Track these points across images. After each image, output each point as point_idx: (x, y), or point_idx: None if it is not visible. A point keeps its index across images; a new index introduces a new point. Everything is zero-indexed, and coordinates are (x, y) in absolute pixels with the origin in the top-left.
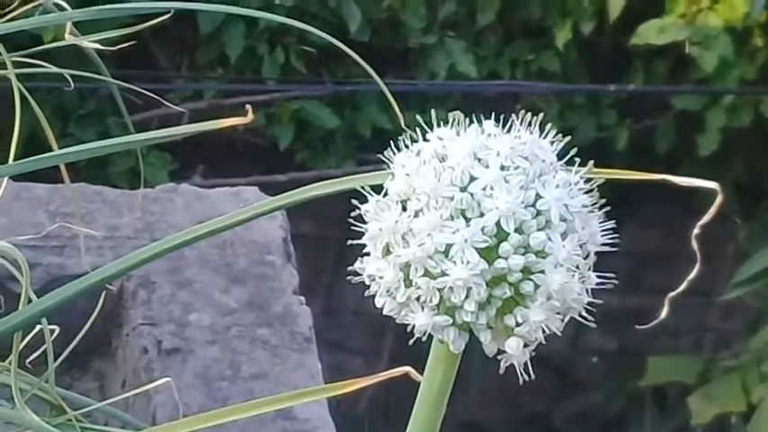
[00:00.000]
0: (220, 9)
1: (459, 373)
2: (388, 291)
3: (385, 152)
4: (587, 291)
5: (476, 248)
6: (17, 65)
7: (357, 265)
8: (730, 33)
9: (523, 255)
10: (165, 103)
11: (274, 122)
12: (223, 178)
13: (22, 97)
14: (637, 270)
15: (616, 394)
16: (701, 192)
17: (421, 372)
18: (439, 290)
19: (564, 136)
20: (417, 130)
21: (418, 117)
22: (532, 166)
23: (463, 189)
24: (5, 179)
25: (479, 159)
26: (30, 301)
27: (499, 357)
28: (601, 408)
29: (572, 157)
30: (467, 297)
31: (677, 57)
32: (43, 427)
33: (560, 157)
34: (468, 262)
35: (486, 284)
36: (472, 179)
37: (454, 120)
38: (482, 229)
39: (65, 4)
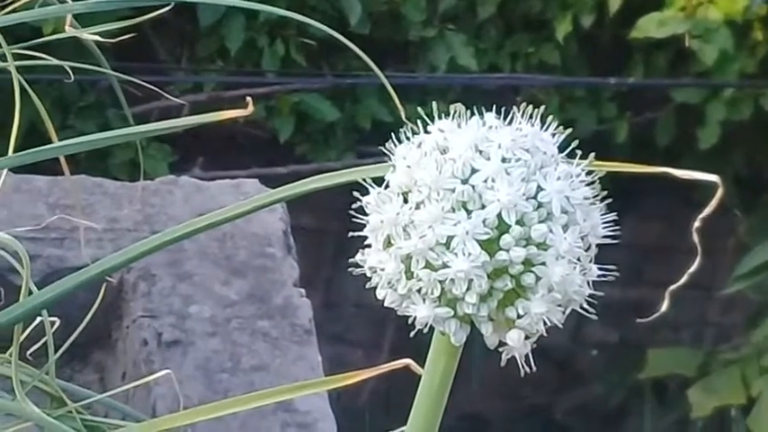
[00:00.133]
0: (220, 1)
1: (460, 366)
2: (389, 283)
3: (385, 144)
4: (588, 283)
5: (477, 240)
6: (17, 57)
7: (358, 257)
8: (730, 27)
9: (525, 247)
10: (165, 95)
11: (274, 115)
12: (223, 170)
13: (22, 89)
14: (637, 263)
15: (616, 387)
16: (702, 185)
17: (422, 364)
18: (440, 282)
19: (564, 129)
20: (418, 122)
21: (419, 109)
22: (534, 159)
23: (464, 181)
24: (5, 171)
25: (481, 151)
26: (30, 293)
27: (500, 349)
28: (601, 400)
29: (572, 149)
30: (468, 289)
31: (677, 50)
32: (44, 418)
33: (561, 149)
34: (469, 254)
35: (488, 276)
36: (473, 171)
37: (455, 112)
38: (483, 221)
39: None
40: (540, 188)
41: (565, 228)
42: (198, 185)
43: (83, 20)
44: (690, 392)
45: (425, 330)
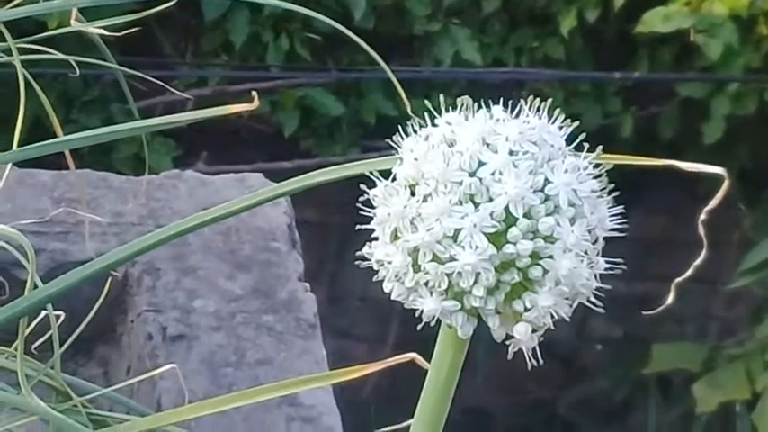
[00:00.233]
0: None
1: (465, 359)
2: (396, 276)
3: (390, 139)
4: (596, 276)
5: (484, 233)
6: (22, 51)
7: (365, 251)
8: (735, 21)
9: (532, 240)
10: (170, 89)
11: (279, 109)
12: (227, 165)
13: (27, 83)
14: (642, 257)
15: (621, 381)
16: (707, 178)
17: (426, 358)
18: (447, 275)
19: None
20: (423, 116)
21: (427, 102)
22: (541, 151)
23: (472, 174)
24: (9, 165)
25: (488, 144)
26: (35, 286)
27: (507, 343)
28: (605, 395)
29: (583, 142)
30: (475, 282)
31: (682, 44)
32: (49, 412)
33: (567, 143)
34: (476, 247)
35: (495, 269)
36: (481, 164)
37: (462, 105)
38: (491, 214)
39: None
40: (547, 181)
41: (572, 221)
42: (202, 180)
43: (87, 14)
44: (695, 387)
45: (432, 323)
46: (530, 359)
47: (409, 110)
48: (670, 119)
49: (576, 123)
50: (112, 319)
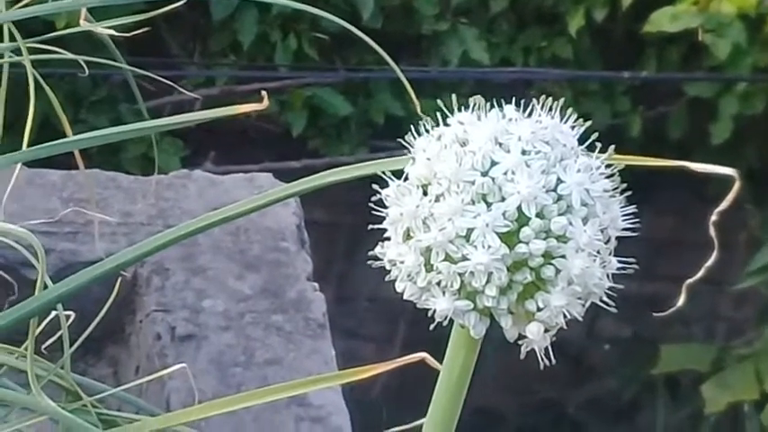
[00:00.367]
0: None
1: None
2: (408, 275)
3: (398, 139)
4: (608, 276)
5: (497, 233)
6: (31, 51)
7: (377, 250)
8: (743, 21)
9: (545, 239)
10: (179, 88)
11: (287, 109)
12: (235, 165)
13: (35, 83)
14: (650, 257)
15: (629, 381)
16: (715, 179)
17: (434, 358)
18: (460, 274)
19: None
20: (433, 115)
21: (439, 102)
22: (553, 151)
23: (484, 174)
24: (19, 165)
25: (500, 144)
26: (45, 286)
27: (520, 342)
28: (614, 395)
29: (592, 142)
30: (488, 282)
31: (690, 44)
32: (59, 412)
33: (579, 143)
34: (489, 246)
35: (508, 269)
36: (493, 164)
37: (475, 105)
38: (503, 214)
39: None
40: (559, 180)
41: (585, 220)
42: (212, 179)
43: (96, 14)
44: (703, 388)
45: (445, 323)
46: (542, 359)
47: (419, 109)
48: (678, 119)
49: (589, 122)
50: (121, 319)
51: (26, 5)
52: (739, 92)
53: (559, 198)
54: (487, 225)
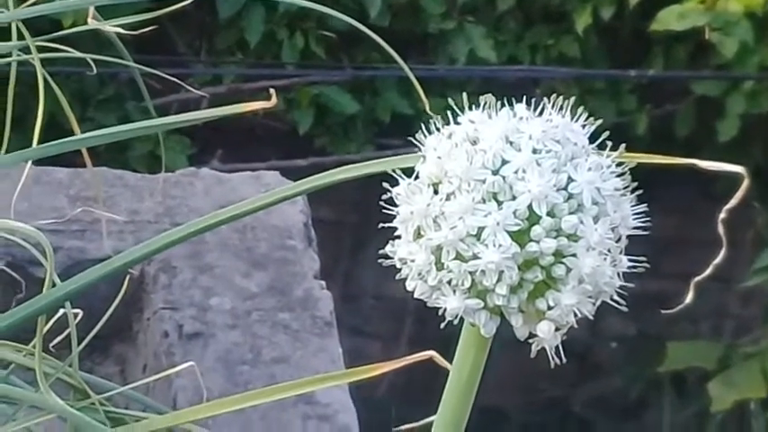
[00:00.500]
0: None
1: None
2: (419, 274)
3: (405, 137)
4: (618, 274)
5: (508, 232)
6: (39, 50)
7: (388, 249)
8: (750, 19)
9: (555, 238)
10: (186, 87)
11: (294, 107)
12: (242, 163)
13: (43, 82)
14: (656, 255)
15: (635, 379)
16: (722, 177)
17: (441, 356)
18: (470, 273)
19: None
20: (440, 114)
21: (450, 100)
22: (564, 150)
23: (495, 172)
24: (29, 163)
25: (511, 142)
26: (53, 284)
27: (530, 341)
28: (620, 393)
29: (597, 141)
30: (498, 280)
31: (697, 42)
32: (67, 410)
33: (588, 141)
34: (499, 245)
35: (518, 268)
36: (504, 162)
37: (485, 103)
38: (514, 213)
39: None
40: (570, 179)
41: (595, 219)
42: (219, 177)
43: (103, 12)
44: (710, 386)
45: (455, 322)
46: (552, 358)
47: (428, 108)
48: (685, 117)
49: (600, 121)
50: (129, 317)
51: (33, 4)
52: (746, 90)
53: (570, 197)
54: (498, 224)
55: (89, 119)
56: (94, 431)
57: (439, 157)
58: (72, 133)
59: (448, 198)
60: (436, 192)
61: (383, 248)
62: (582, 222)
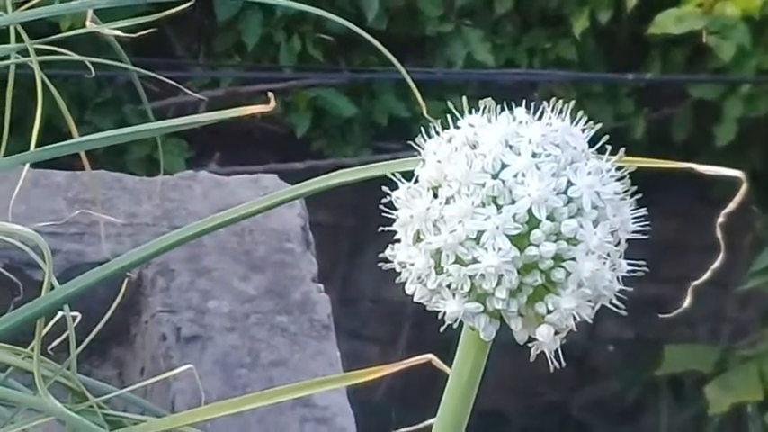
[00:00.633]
0: None
1: None
2: (418, 278)
3: (402, 140)
4: (618, 278)
5: (507, 235)
6: (37, 52)
7: (387, 252)
8: (748, 23)
9: (555, 242)
10: (184, 90)
11: (291, 110)
12: (240, 166)
13: (42, 85)
14: (653, 258)
15: (633, 383)
16: (720, 181)
17: (439, 359)
18: (470, 277)
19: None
20: (438, 117)
21: (450, 104)
22: (564, 154)
23: (495, 176)
24: (27, 166)
25: (511, 146)
26: (52, 287)
27: (529, 345)
28: (618, 396)
29: (596, 144)
30: (498, 284)
31: (694, 46)
32: (65, 413)
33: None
34: (499, 249)
35: (518, 272)
36: (504, 166)
37: (485, 107)
38: (514, 216)
39: None
40: (570, 183)
41: (595, 223)
42: (217, 180)
43: (101, 15)
44: (707, 389)
45: (455, 326)
46: (551, 361)
47: (425, 111)
48: (682, 121)
49: (599, 125)
50: (127, 320)
51: (32, 7)
52: (744, 94)
53: (570, 201)
54: (498, 227)
55: (87, 122)
56: None
57: (439, 161)
58: (70, 136)
59: (447, 202)
60: (436, 195)
61: (381, 252)
62: (581, 226)
